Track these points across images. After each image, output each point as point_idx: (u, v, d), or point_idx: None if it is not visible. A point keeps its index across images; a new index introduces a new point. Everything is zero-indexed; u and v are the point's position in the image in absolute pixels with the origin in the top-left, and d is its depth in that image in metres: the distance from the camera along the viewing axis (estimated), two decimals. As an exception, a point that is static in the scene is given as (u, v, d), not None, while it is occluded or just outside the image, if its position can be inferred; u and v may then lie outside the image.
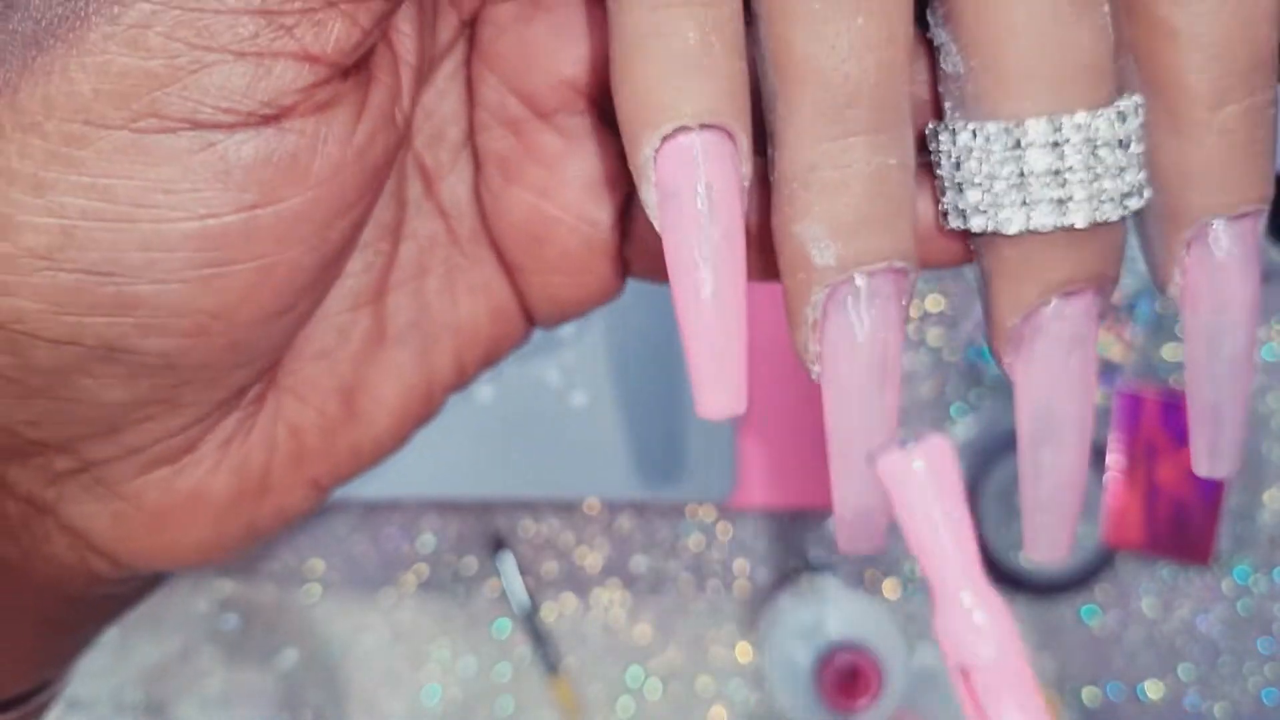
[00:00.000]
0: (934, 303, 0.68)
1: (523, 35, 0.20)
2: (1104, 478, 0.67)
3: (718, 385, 0.18)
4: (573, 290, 0.22)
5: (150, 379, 0.19)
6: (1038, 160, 0.17)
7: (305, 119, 0.17)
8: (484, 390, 0.63)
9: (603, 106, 0.20)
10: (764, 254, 0.19)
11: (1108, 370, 0.68)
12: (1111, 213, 0.17)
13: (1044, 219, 0.17)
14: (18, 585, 0.21)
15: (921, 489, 0.14)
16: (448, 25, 0.21)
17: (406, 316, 0.22)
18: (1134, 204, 0.18)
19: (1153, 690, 0.68)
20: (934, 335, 0.68)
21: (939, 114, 0.18)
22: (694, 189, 0.17)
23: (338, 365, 0.22)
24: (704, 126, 0.17)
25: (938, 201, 0.19)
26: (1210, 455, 0.19)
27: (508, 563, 0.65)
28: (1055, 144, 0.17)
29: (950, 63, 0.17)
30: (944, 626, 0.14)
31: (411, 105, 0.20)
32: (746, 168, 0.18)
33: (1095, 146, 0.17)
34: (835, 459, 0.19)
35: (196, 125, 0.17)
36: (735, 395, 0.18)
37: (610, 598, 0.67)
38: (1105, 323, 0.68)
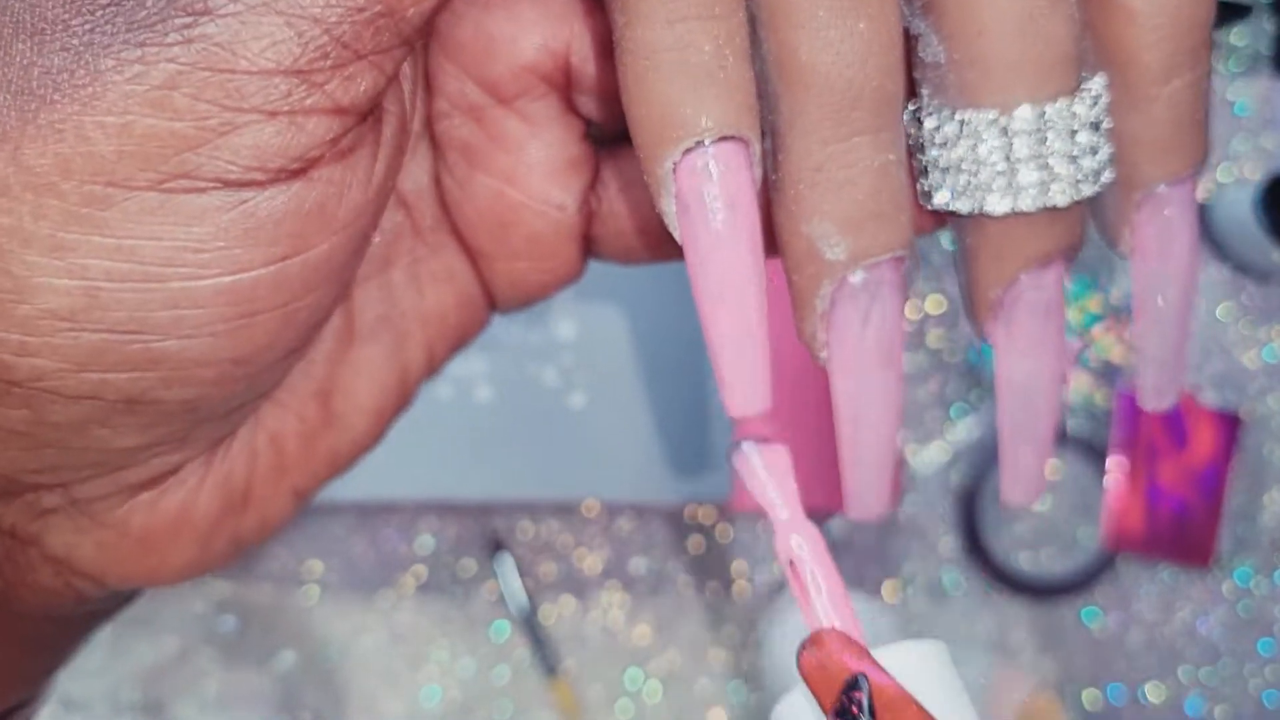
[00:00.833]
0: (934, 304, 0.68)
1: (481, 22, 0.20)
2: (1104, 479, 0.67)
3: (746, 384, 0.19)
4: (537, 274, 0.22)
5: (167, 425, 0.18)
6: (1023, 146, 0.18)
7: (331, 167, 0.17)
8: (483, 391, 0.63)
9: (564, 91, 0.21)
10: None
11: (1108, 371, 0.68)
12: (1089, 190, 0.18)
13: (1029, 201, 0.18)
14: (1, 613, 0.21)
15: (757, 471, 0.21)
16: None
17: (375, 310, 0.22)
18: (1107, 178, 0.19)
19: (1153, 692, 0.68)
20: (934, 336, 0.68)
21: (910, 96, 0.19)
22: (715, 199, 0.18)
23: (313, 367, 0.22)
24: (723, 138, 0.17)
25: (914, 180, 0.19)
26: (1155, 391, 0.21)
27: (506, 564, 0.65)
28: (1039, 130, 0.18)
29: (930, 52, 0.18)
30: (778, 547, 0.20)
31: (414, 120, 0.20)
32: (759, 171, 0.18)
33: (1074, 130, 0.18)
34: (844, 435, 0.20)
35: (227, 185, 0.16)
36: (762, 393, 0.19)
37: (609, 599, 0.66)
38: (1104, 322, 0.68)
